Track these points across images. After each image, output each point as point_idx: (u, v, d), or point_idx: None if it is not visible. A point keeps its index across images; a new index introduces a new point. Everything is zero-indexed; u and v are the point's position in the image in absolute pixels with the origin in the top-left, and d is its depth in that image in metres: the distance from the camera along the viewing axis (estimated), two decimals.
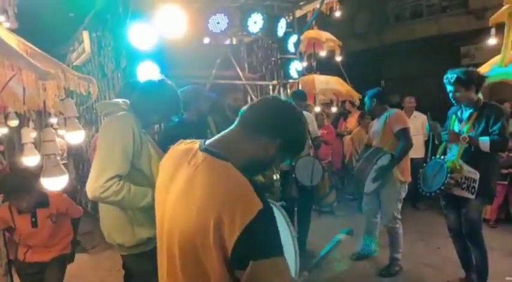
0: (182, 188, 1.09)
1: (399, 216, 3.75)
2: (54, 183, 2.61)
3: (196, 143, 1.19)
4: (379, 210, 3.88)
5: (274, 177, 3.64)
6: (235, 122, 1.18)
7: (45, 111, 3.02)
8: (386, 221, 3.78)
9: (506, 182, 4.89)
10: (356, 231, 1.65)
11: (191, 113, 2.94)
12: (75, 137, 3.64)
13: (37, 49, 2.85)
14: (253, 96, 5.06)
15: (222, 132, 1.19)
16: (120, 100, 2.14)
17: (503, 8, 4.07)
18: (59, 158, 2.73)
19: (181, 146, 1.24)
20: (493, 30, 4.20)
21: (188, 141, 1.24)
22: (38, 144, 4.05)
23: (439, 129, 3.23)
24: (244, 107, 1.19)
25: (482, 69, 3.93)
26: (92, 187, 1.86)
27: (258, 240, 0.94)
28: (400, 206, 3.73)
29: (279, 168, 3.86)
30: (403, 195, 3.71)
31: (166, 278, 1.15)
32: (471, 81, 3.01)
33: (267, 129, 1.13)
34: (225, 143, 1.15)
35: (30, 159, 3.71)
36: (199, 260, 1.00)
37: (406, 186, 3.72)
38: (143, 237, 2.03)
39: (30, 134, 3.96)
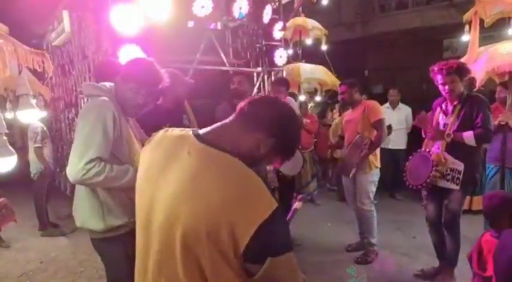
0: (185, 180, 1.03)
1: (374, 200, 3.94)
2: (1, 165, 2.51)
3: (189, 131, 1.15)
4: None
5: (267, 168, 3.64)
6: (234, 115, 1.16)
7: None
8: (362, 204, 3.88)
9: None
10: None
11: (167, 98, 2.85)
12: (28, 116, 3.40)
13: None
14: None
15: (220, 124, 1.15)
16: (107, 84, 2.06)
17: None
18: (5, 137, 2.62)
19: (172, 133, 1.17)
20: (467, 27, 4.25)
21: (178, 129, 1.19)
22: None
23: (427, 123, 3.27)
24: (244, 102, 1.17)
25: None
26: (73, 170, 1.80)
27: (274, 238, 0.98)
28: (374, 189, 3.91)
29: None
30: (376, 179, 3.90)
31: (153, 272, 1.11)
32: (465, 72, 3.09)
33: (265, 126, 1.12)
34: (224, 135, 1.12)
35: None
36: (202, 255, 0.99)
37: (378, 171, 3.89)
38: (113, 224, 1.99)
39: None
